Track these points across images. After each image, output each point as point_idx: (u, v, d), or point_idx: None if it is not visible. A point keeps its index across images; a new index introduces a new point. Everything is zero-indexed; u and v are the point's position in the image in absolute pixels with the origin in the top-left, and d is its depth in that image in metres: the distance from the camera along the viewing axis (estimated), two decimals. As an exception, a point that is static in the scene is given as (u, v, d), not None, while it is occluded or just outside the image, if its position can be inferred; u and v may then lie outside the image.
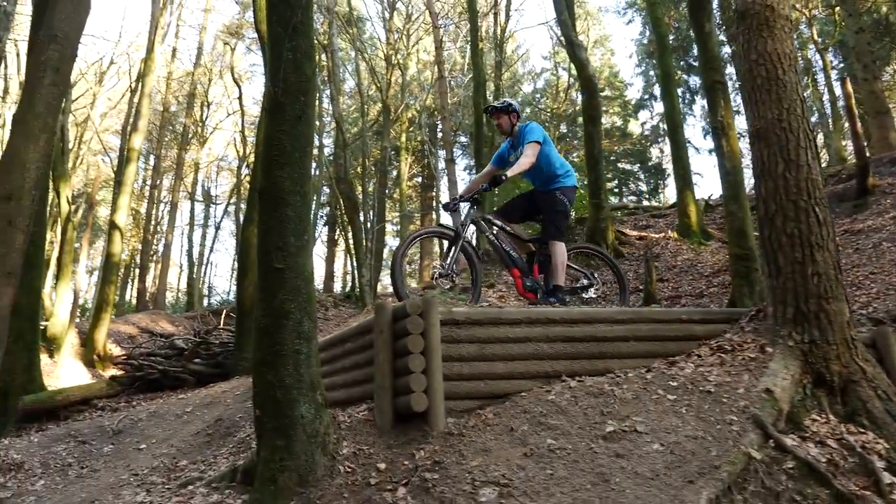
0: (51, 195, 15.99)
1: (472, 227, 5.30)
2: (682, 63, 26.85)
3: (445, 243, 5.40)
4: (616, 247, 12.55)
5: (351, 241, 18.22)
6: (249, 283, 9.10)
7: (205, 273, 32.22)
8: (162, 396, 8.82)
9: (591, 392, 3.93)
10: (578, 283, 5.68)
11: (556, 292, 5.24)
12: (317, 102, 3.92)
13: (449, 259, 5.06)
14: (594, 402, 3.82)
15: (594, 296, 5.61)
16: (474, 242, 5.98)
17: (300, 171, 3.81)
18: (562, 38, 14.59)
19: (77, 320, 19.22)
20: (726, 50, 15.82)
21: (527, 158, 5.28)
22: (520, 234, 5.60)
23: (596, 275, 5.79)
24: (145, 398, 8.93)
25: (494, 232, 5.36)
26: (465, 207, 5.38)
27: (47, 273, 19.80)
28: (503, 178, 5.24)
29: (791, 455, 3.46)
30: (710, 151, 28.05)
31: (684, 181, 13.09)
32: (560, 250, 5.30)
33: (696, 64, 26.67)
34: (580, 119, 30.21)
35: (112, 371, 11.76)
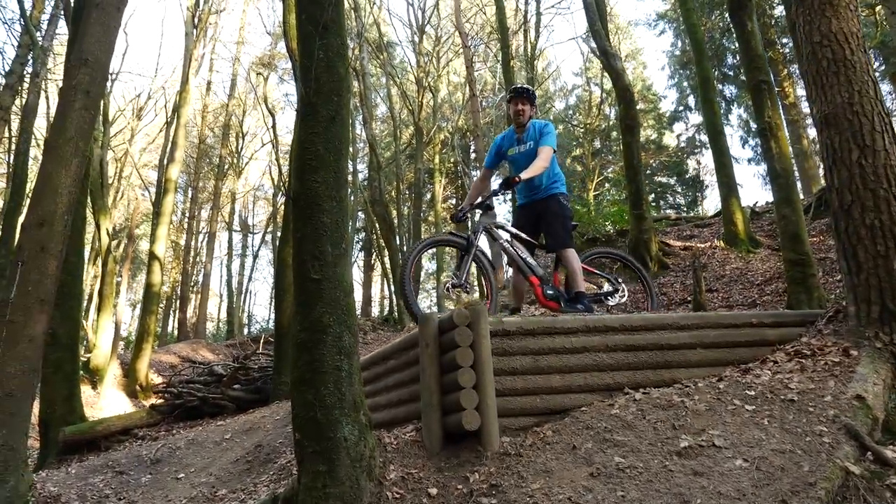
0: (91, 229, 16.25)
1: (484, 235, 4.99)
2: (716, 73, 26.32)
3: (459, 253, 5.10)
4: (660, 258, 12.13)
5: (387, 264, 18.03)
6: (287, 306, 8.91)
7: (244, 302, 32.43)
8: (201, 424, 8.66)
9: (659, 405, 3.57)
10: (603, 290, 5.37)
11: (581, 299, 4.91)
12: (350, 119, 3.69)
13: (462, 268, 4.77)
14: (664, 416, 3.46)
15: (620, 302, 5.27)
16: (488, 251, 5.64)
17: (335, 175, 3.58)
18: (595, 50, 14.37)
19: (120, 352, 19.36)
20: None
21: (543, 162, 4.93)
22: (534, 241, 5.25)
23: (620, 279, 5.43)
24: (185, 426, 8.78)
25: (508, 239, 5.04)
26: (477, 215, 5.12)
27: (90, 306, 20.11)
28: (517, 179, 4.85)
29: (893, 469, 3.06)
30: (750, 161, 27.29)
31: (729, 188, 12.62)
32: (573, 256, 4.98)
33: (730, 73, 26.19)
34: (614, 133, 29.94)
35: (153, 400, 11.69)
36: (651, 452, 3.18)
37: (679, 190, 32.57)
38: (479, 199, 5.15)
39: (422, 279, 27.87)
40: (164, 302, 29.38)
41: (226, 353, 17.43)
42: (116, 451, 7.66)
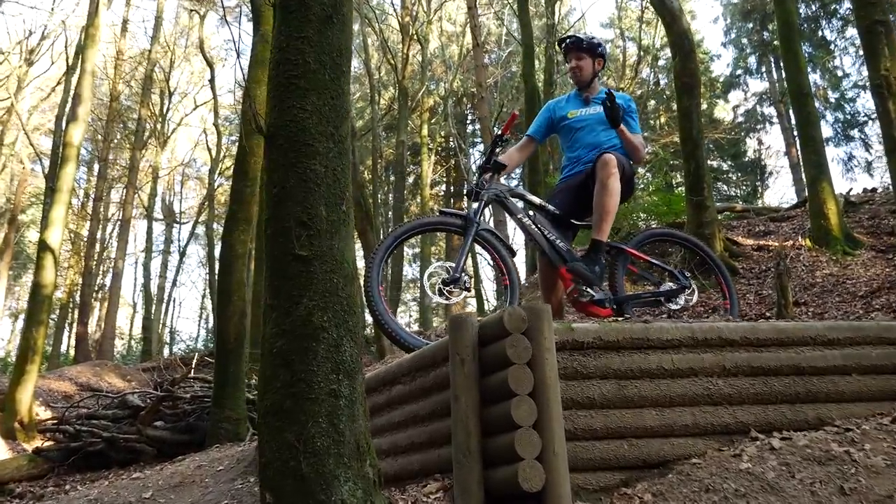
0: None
1: (490, 209, 4.66)
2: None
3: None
4: (726, 260, 11.79)
5: (361, 265, 17.52)
6: (234, 312, 8.39)
7: (166, 313, 31.81)
8: (108, 476, 8.12)
9: (812, 457, 3.09)
10: (663, 287, 4.99)
11: (632, 301, 4.72)
12: (352, 19, 3.19)
13: (459, 257, 4.48)
14: (822, 474, 2.98)
15: (688, 304, 4.91)
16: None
17: (332, 101, 3.10)
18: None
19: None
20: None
21: (641, 146, 4.88)
22: (570, 218, 4.93)
23: (687, 273, 5.03)
24: (84, 479, 8.24)
25: (530, 214, 4.74)
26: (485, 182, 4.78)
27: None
28: (614, 98, 4.60)
29: None
30: (828, 141, 27.20)
31: (819, 169, 12.27)
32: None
33: (802, 28, 26.09)
34: (652, 102, 29.74)
35: (38, 442, 11.10)
36: (815, 530, 2.70)
37: (734, 178, 32.47)
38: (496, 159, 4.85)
39: (404, 286, 27.37)
40: (58, 311, 28.67)
41: (142, 378, 16.96)
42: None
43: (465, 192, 5.29)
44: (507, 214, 4.84)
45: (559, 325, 3.37)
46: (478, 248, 4.88)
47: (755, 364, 3.52)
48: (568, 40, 5.14)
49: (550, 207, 4.86)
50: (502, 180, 5.01)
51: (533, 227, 4.68)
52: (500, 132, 4.87)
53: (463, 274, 4.42)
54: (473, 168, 23.85)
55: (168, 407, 9.16)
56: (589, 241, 4.68)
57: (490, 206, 4.79)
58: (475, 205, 4.67)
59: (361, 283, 4.34)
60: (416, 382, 3.89)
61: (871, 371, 3.64)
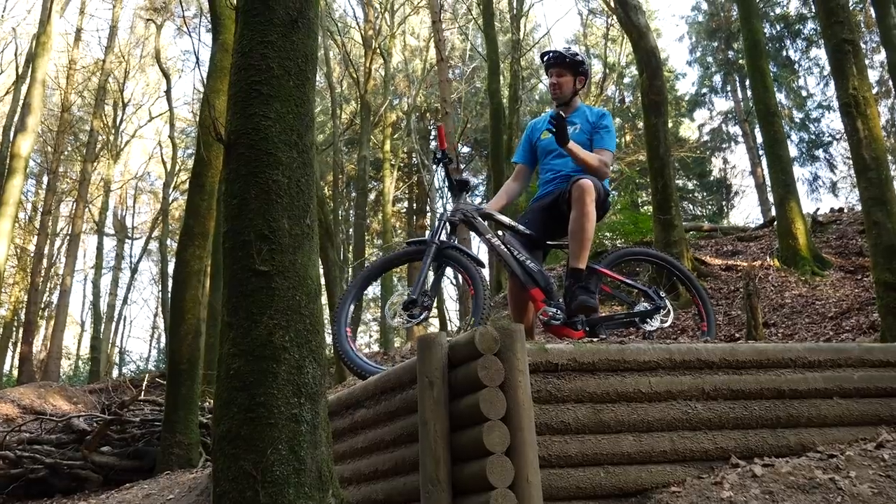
0: None
1: (458, 227, 4.67)
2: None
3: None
4: (696, 281, 11.88)
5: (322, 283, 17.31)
6: (188, 331, 8.20)
7: (115, 332, 31.18)
8: (52, 504, 7.82)
9: (796, 485, 3.03)
10: (637, 308, 4.86)
11: (605, 322, 4.61)
12: (319, 24, 3.09)
13: (418, 280, 4.40)
14: (808, 503, 2.91)
15: (664, 325, 4.79)
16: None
17: (297, 108, 3.00)
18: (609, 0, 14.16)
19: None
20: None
21: (598, 163, 4.69)
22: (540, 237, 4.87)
23: (663, 293, 4.96)
24: (24, 509, 7.94)
25: (499, 234, 4.71)
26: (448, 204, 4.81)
27: None
28: (565, 136, 4.52)
29: None
30: (794, 160, 27.66)
31: (787, 189, 12.47)
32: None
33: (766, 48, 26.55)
34: (618, 120, 29.97)
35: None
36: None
37: (699, 197, 32.83)
38: (457, 177, 4.81)
39: (364, 304, 27.17)
40: (1, 330, 27.96)
41: (89, 401, 16.57)
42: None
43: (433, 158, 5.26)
44: (474, 234, 4.75)
45: (532, 346, 3.28)
46: (448, 270, 4.81)
47: (735, 387, 3.45)
48: (550, 54, 5.06)
49: (521, 227, 4.77)
50: (468, 199, 4.93)
51: (502, 247, 4.58)
52: (438, 151, 4.85)
53: (422, 296, 4.34)
54: (439, 183, 23.84)
55: (116, 431, 8.94)
56: (569, 271, 4.58)
57: (461, 225, 4.69)
58: (437, 224, 4.62)
59: (333, 329, 4.38)
60: (380, 406, 3.77)
61: (853, 394, 3.59)
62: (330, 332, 4.22)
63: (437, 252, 4.44)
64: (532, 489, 2.90)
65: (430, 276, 4.72)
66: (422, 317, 4.35)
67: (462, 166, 28.96)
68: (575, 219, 4.43)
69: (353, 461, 3.96)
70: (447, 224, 4.61)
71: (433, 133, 27.05)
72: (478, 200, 27.13)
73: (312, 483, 2.74)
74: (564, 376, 3.29)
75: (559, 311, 4.47)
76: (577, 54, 5.02)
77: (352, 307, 4.53)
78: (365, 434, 3.91)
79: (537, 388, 3.19)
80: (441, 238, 4.51)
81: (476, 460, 2.94)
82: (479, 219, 4.65)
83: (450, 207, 4.70)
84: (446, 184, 4.82)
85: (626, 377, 3.36)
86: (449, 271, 4.90)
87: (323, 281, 17.41)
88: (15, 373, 25.28)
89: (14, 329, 28.75)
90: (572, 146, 4.56)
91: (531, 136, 5.17)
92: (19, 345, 26.49)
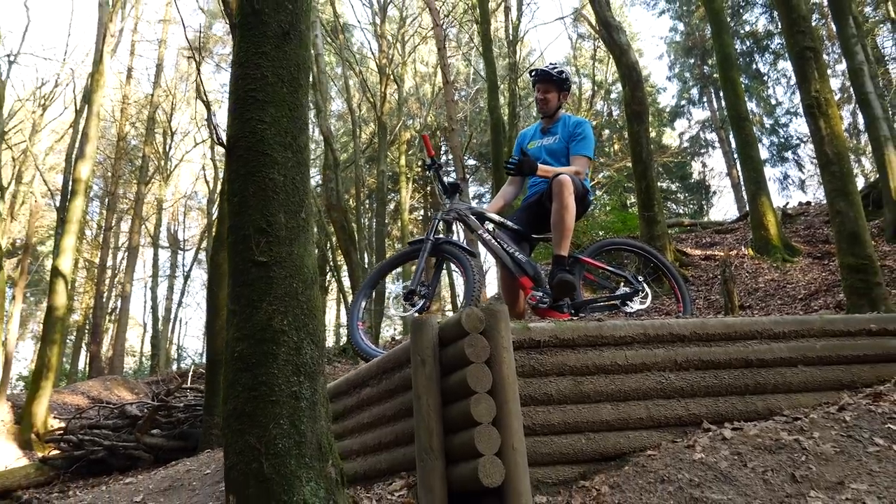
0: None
1: (454, 225, 4.60)
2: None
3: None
4: (677, 268, 11.66)
5: (346, 283, 17.21)
6: (222, 326, 8.05)
7: (173, 332, 31.21)
8: (107, 481, 7.76)
9: (764, 446, 2.86)
10: (618, 292, 4.74)
11: (589, 305, 4.50)
12: (310, 36, 2.94)
13: (415, 274, 4.32)
14: (774, 462, 2.74)
15: (642, 307, 4.66)
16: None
17: (291, 112, 2.86)
18: (595, 23, 13.98)
19: (15, 391, 18.22)
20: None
21: (573, 169, 4.60)
22: (528, 232, 4.80)
23: (641, 278, 4.79)
24: (84, 484, 7.89)
25: (490, 229, 4.56)
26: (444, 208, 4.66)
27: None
28: (534, 165, 4.53)
29: None
30: (765, 162, 27.28)
31: (758, 185, 12.19)
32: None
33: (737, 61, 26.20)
34: (606, 132, 29.69)
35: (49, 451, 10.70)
36: (768, 517, 2.45)
37: (681, 197, 32.46)
38: (448, 180, 4.73)
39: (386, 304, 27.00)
40: (75, 333, 28.05)
41: (147, 390, 16.49)
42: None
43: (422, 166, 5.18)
44: (468, 231, 4.65)
45: (516, 325, 3.14)
46: (449, 264, 4.70)
47: (705, 358, 3.29)
48: (544, 70, 4.94)
49: (509, 223, 4.69)
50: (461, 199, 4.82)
51: (493, 241, 4.49)
52: (427, 158, 4.79)
53: (420, 286, 4.28)
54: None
55: (163, 416, 8.85)
56: (552, 258, 4.47)
57: (456, 224, 4.57)
58: (432, 223, 4.54)
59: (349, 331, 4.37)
60: (382, 384, 3.63)
61: (817, 362, 3.42)
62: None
63: (432, 247, 4.39)
64: (517, 456, 2.76)
65: (432, 269, 4.64)
66: (420, 305, 4.23)
67: (469, 177, 28.73)
68: (556, 210, 4.32)
69: (361, 435, 3.82)
70: (441, 222, 4.56)
71: (443, 148, 26.85)
72: (483, 205, 26.86)
73: (313, 454, 2.60)
74: (547, 352, 3.15)
75: (545, 296, 4.36)
76: (562, 72, 4.92)
77: (363, 303, 4.53)
78: (370, 410, 3.77)
79: (521, 364, 3.06)
80: (436, 235, 4.44)
81: (465, 430, 2.81)
82: (472, 217, 4.56)
83: (445, 208, 4.61)
84: (439, 188, 4.68)
85: (604, 351, 3.21)
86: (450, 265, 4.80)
87: (348, 281, 17.32)
88: (86, 369, 25.31)
89: (86, 332, 28.82)
90: (541, 169, 4.54)
91: (522, 145, 5.09)
92: (89, 345, 26.53)
